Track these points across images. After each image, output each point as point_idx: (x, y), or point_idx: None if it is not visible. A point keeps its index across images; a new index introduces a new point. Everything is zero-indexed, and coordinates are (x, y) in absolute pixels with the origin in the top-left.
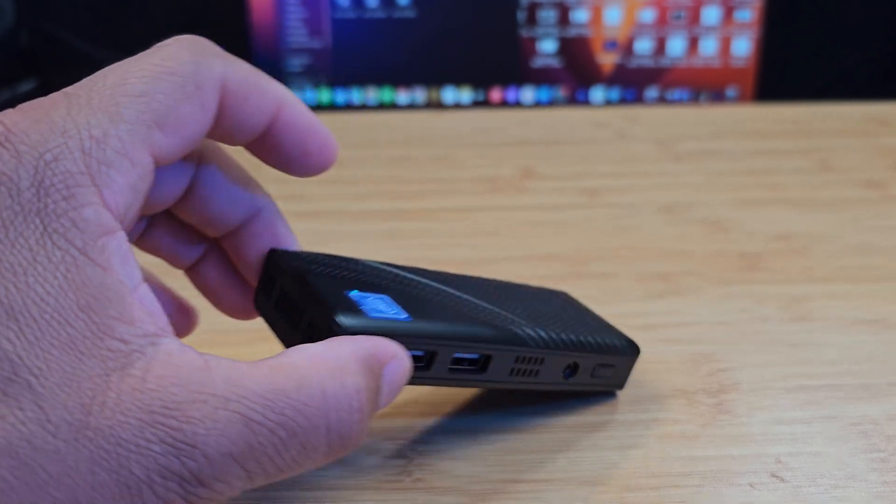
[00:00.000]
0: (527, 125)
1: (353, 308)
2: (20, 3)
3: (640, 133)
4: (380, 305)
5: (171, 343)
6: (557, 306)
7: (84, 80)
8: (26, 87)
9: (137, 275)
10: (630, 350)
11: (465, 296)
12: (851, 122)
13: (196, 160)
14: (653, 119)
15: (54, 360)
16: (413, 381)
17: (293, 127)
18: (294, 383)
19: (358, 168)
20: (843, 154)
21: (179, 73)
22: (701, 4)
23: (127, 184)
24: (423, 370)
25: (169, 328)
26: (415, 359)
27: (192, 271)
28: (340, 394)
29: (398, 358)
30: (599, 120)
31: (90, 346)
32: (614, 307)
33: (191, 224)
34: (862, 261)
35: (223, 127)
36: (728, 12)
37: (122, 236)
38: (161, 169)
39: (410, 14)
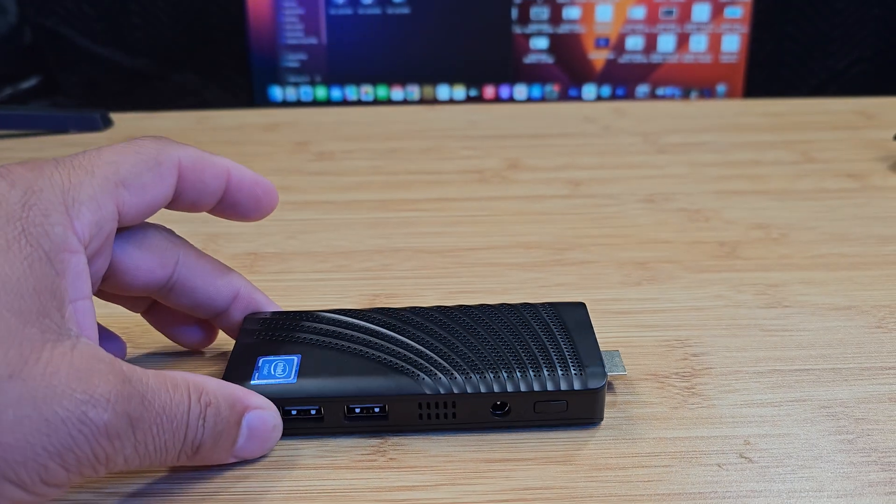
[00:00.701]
0: (516, 119)
1: (246, 373)
2: (23, 1)
3: (627, 126)
4: (277, 369)
5: (92, 342)
6: (530, 333)
7: (71, 155)
8: (29, 83)
9: (85, 290)
10: (592, 383)
11: (392, 344)
12: (836, 115)
13: (175, 260)
14: (640, 113)
15: (5, 320)
16: (312, 431)
17: (243, 184)
18: (158, 388)
19: (347, 160)
20: (827, 146)
21: (144, 153)
22: (691, 1)
23: (93, 220)
24: (319, 422)
25: (95, 337)
26: (311, 413)
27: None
28: (176, 406)
29: (262, 409)
30: (588, 114)
31: (33, 319)
32: (592, 293)
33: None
34: (839, 249)
35: (189, 196)
36: (718, 9)
37: (81, 258)
38: (149, 266)
39: (405, 11)
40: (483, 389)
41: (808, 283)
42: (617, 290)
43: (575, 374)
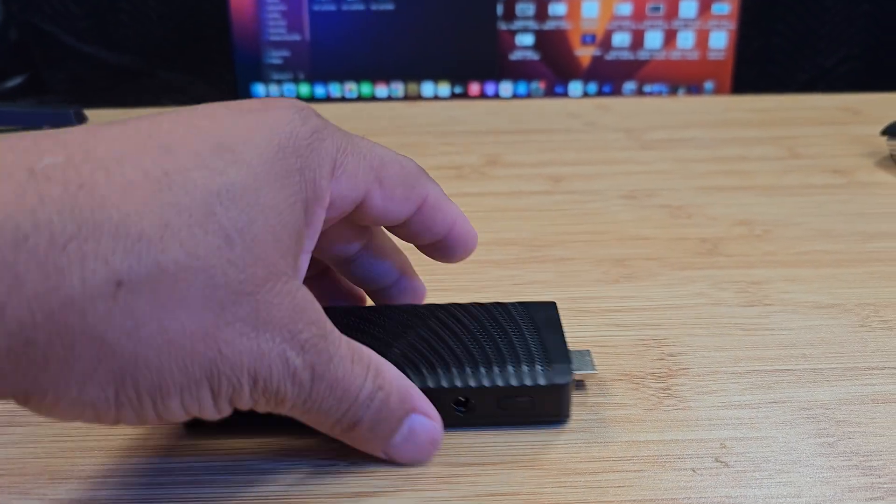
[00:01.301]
0: (497, 115)
1: None
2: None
3: (611, 122)
4: None
5: (308, 291)
6: (498, 330)
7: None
8: (16, 81)
9: (312, 247)
10: (558, 379)
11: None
12: (823, 111)
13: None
14: (625, 109)
15: (264, 243)
16: (271, 430)
17: (461, 236)
18: (344, 355)
19: None
20: (813, 141)
21: (407, 169)
22: None
23: (343, 194)
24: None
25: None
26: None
27: None
28: (353, 378)
29: (428, 417)
30: (572, 110)
31: (283, 251)
32: (568, 291)
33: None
34: (823, 246)
35: (413, 229)
36: (705, 5)
37: (324, 215)
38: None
39: (389, 7)
40: (445, 384)
41: (792, 280)
42: (594, 287)
43: (541, 369)
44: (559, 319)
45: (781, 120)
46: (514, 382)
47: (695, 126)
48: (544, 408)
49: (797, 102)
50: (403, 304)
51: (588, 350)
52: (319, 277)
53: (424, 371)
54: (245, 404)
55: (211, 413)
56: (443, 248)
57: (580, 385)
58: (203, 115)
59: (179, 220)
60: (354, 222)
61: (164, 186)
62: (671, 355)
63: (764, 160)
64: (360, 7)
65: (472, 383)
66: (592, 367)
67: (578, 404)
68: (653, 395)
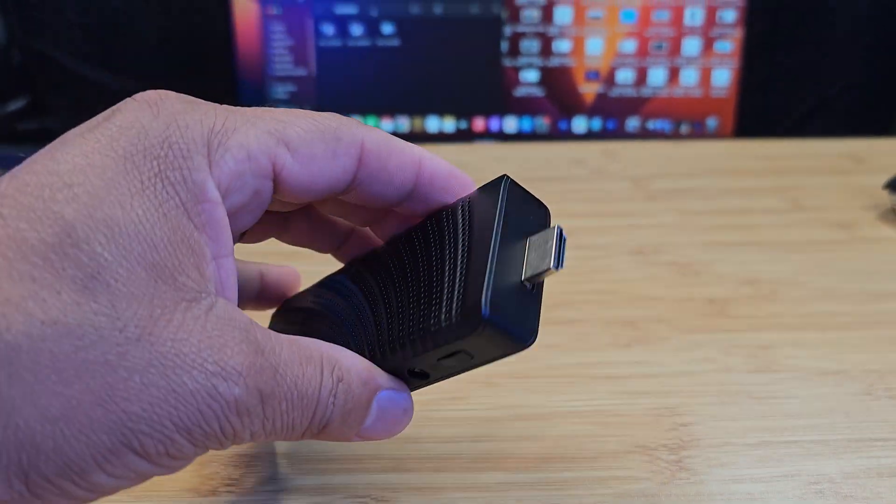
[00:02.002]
0: (505, 161)
1: None
2: (11, 21)
3: (617, 170)
4: None
5: (230, 304)
6: (437, 264)
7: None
8: (17, 104)
9: (227, 247)
10: (468, 326)
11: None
12: (826, 159)
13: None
14: (630, 155)
15: (136, 274)
16: None
17: (436, 177)
18: (290, 361)
19: None
20: (816, 193)
21: (321, 123)
22: (681, 35)
23: (236, 171)
24: None
25: (234, 297)
26: None
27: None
28: (308, 381)
29: (394, 390)
30: (578, 155)
31: (167, 276)
32: (581, 356)
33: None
34: (829, 307)
35: (370, 187)
36: (708, 43)
37: (221, 210)
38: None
39: (394, 43)
40: (391, 358)
41: (798, 345)
42: (606, 352)
43: (444, 315)
44: (496, 210)
45: (785, 168)
46: (435, 343)
47: (699, 174)
48: (487, 349)
49: (801, 148)
50: (359, 258)
51: (557, 226)
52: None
53: (366, 350)
54: (195, 454)
55: (163, 472)
56: (426, 197)
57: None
58: (43, 157)
59: (21, 289)
60: (297, 202)
61: None
62: (683, 425)
63: (768, 213)
64: (367, 43)
65: (410, 352)
66: (554, 262)
67: (594, 479)
68: (666, 467)
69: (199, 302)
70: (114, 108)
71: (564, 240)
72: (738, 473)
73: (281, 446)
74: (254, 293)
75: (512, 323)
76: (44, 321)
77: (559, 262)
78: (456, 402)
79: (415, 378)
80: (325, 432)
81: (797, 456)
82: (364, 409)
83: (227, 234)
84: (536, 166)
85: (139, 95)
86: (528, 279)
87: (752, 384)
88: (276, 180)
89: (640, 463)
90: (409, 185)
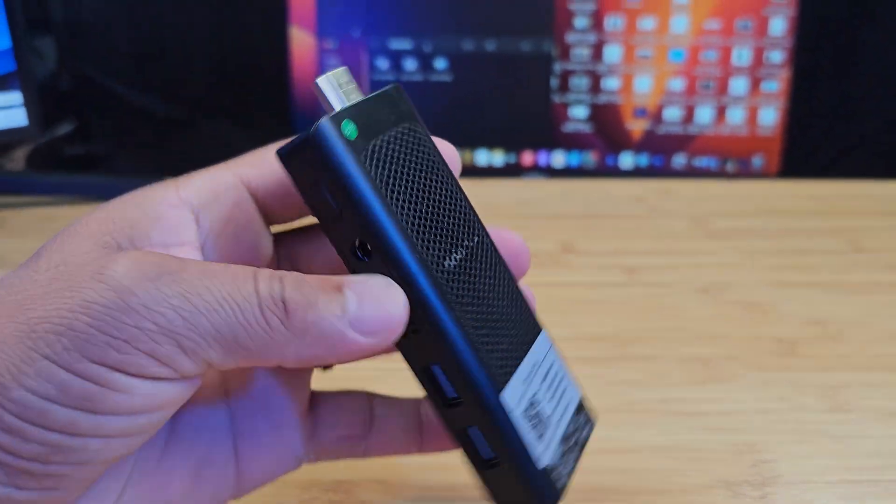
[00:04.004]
0: (565, 198)
1: None
2: (62, 47)
3: (674, 208)
4: None
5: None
6: None
7: None
8: (64, 129)
9: (184, 237)
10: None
11: None
12: (880, 200)
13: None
14: (686, 193)
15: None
16: None
17: None
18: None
19: None
20: (873, 235)
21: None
22: (729, 75)
23: (203, 185)
24: None
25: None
26: None
27: None
28: (238, 269)
29: (367, 278)
30: (635, 193)
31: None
32: (658, 392)
33: None
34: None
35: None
36: (755, 83)
37: (181, 211)
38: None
39: (447, 78)
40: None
41: (870, 385)
42: (682, 388)
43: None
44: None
45: (840, 210)
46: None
47: (755, 214)
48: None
49: (854, 189)
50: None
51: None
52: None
53: None
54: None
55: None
56: None
57: None
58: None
59: None
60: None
61: None
62: (764, 462)
63: (828, 254)
64: (420, 77)
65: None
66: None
67: None
68: (751, 503)
69: (114, 250)
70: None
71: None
72: None
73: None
74: None
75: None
76: None
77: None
78: None
79: (360, 256)
80: (294, 316)
81: (877, 496)
82: (331, 294)
83: (185, 229)
84: (598, 203)
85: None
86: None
87: (827, 423)
88: (252, 191)
89: (725, 498)
90: None
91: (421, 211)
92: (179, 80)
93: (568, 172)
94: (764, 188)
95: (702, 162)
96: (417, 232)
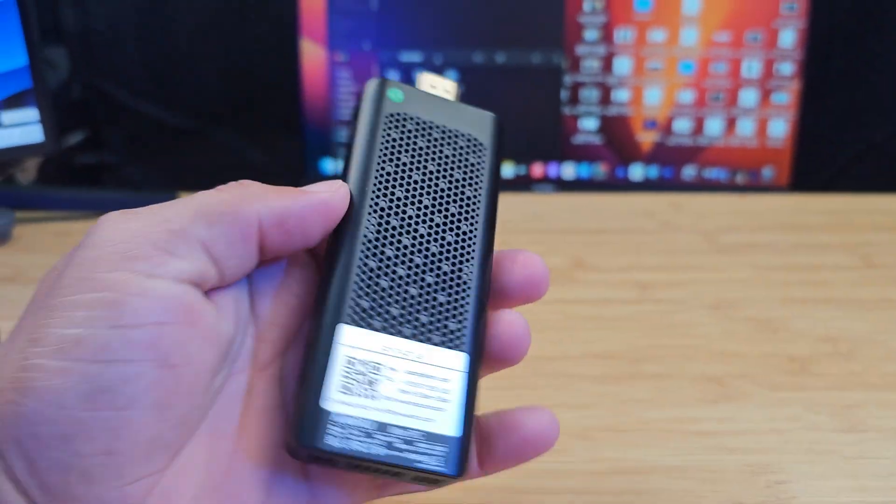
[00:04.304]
0: (575, 212)
1: None
2: (74, 57)
3: (684, 222)
4: None
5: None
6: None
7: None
8: (76, 138)
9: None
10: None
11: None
12: (893, 216)
13: None
14: (696, 208)
15: None
16: None
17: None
18: None
19: None
20: (886, 250)
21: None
22: (739, 86)
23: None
24: None
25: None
26: None
27: None
28: None
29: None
30: (645, 207)
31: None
32: (670, 411)
33: None
34: None
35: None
36: (765, 95)
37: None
38: None
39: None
40: None
41: (883, 404)
42: (695, 407)
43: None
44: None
45: (852, 225)
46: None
47: (767, 228)
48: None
49: (866, 203)
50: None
51: None
52: None
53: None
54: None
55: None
56: None
57: None
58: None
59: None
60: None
61: None
62: (777, 483)
63: (840, 269)
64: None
65: None
66: None
67: None
68: None
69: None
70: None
71: None
72: None
73: None
74: None
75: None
76: None
77: None
78: (555, 455)
79: None
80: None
81: None
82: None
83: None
84: (608, 217)
85: None
86: None
87: (841, 443)
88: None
89: None
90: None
91: (392, 182)
92: (190, 90)
93: (578, 184)
94: (774, 202)
95: (712, 173)
96: (380, 189)
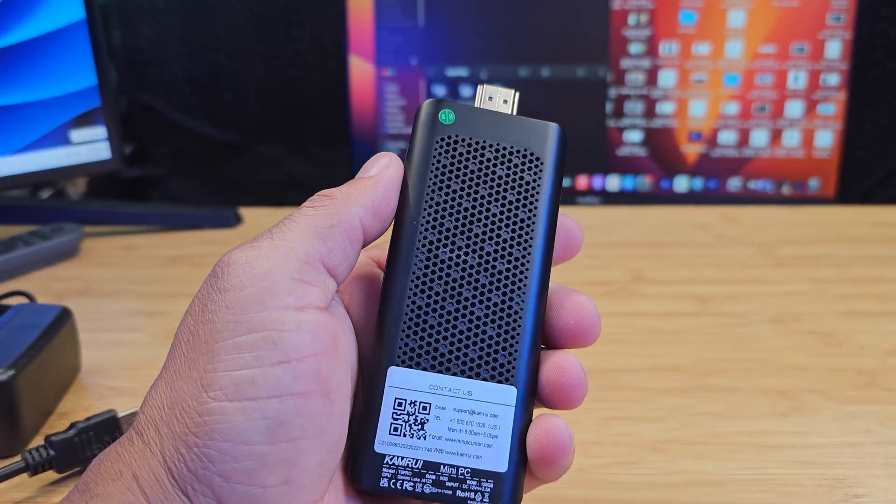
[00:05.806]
0: (626, 224)
1: None
2: (121, 73)
3: (740, 235)
4: None
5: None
6: None
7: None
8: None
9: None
10: None
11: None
12: None
13: None
14: (749, 220)
15: None
16: None
17: None
18: None
19: None
20: None
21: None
22: (785, 98)
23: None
24: None
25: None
26: None
27: None
28: None
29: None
30: (696, 220)
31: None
32: (742, 424)
33: None
34: None
35: None
36: (811, 106)
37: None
38: None
39: None
40: None
41: None
42: (766, 420)
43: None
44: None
45: None
46: None
47: (822, 241)
48: None
49: None
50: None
51: None
52: None
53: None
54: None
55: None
56: None
57: None
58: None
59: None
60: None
61: None
62: (856, 496)
63: None
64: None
65: None
66: None
67: None
68: None
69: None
70: None
71: None
72: None
73: None
74: None
75: None
76: None
77: None
78: (629, 467)
79: None
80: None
81: None
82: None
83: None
84: (663, 230)
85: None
86: None
87: None
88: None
89: None
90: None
91: (445, 205)
92: (233, 105)
93: (623, 196)
94: (825, 214)
95: (757, 185)
96: (429, 222)
